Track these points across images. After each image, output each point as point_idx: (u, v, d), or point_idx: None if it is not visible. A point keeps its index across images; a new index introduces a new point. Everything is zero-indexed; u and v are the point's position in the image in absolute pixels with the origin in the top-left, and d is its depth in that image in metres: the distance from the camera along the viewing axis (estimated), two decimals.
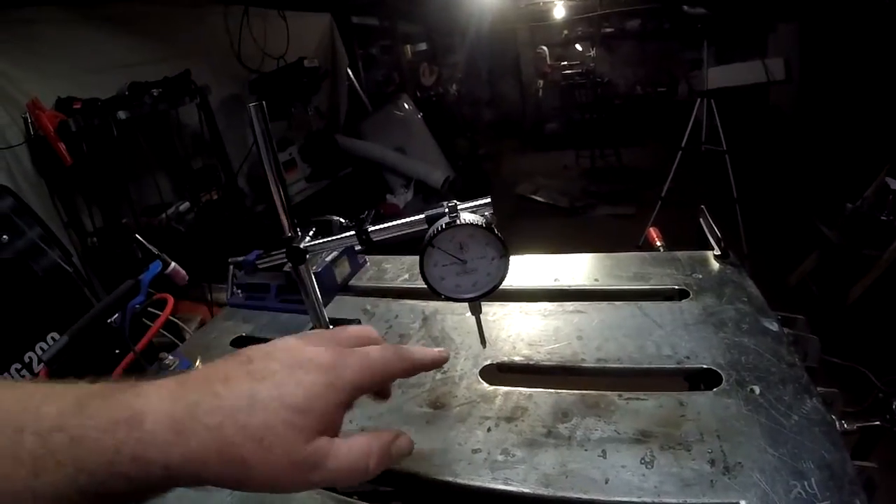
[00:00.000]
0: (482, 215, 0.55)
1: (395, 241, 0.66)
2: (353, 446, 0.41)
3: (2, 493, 0.32)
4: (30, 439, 0.33)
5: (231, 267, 1.22)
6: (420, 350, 0.50)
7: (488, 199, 0.58)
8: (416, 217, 0.60)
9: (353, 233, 0.65)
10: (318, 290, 0.76)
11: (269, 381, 0.39)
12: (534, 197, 5.52)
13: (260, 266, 0.78)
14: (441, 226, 0.53)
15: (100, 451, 0.34)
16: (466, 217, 0.53)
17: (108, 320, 0.96)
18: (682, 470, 0.56)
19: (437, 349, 0.52)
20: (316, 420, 0.39)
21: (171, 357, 0.94)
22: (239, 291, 1.21)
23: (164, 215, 2.75)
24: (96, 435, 0.34)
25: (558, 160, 6.76)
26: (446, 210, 0.56)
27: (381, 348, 0.47)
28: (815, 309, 2.85)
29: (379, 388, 0.49)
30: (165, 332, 1.21)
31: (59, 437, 0.33)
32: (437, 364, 0.52)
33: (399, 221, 0.62)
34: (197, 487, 0.37)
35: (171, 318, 1.08)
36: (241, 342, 1.04)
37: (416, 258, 0.56)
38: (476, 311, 0.62)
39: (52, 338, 1.58)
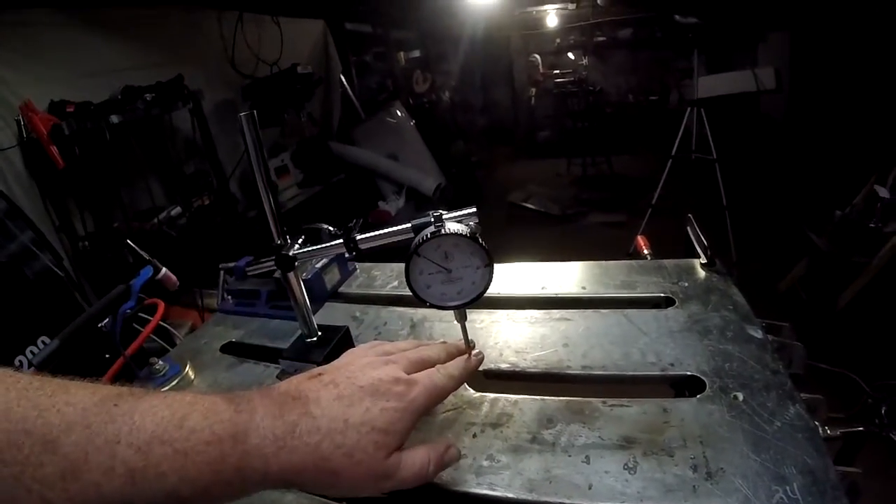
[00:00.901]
0: (467, 225, 0.56)
1: (383, 249, 0.67)
2: (417, 457, 0.50)
3: (90, 501, 0.35)
4: (126, 451, 0.36)
5: (222, 273, 1.22)
6: (458, 364, 0.60)
7: (474, 209, 0.59)
8: (403, 226, 0.60)
9: (341, 241, 0.66)
10: (306, 296, 0.77)
11: (359, 407, 0.47)
12: (526, 204, 5.54)
13: (249, 273, 0.79)
14: (426, 235, 0.53)
15: (205, 462, 0.39)
16: (451, 227, 0.54)
17: (99, 325, 0.97)
18: (664, 475, 0.57)
19: (471, 356, 0.62)
20: (395, 439, 0.48)
21: (161, 362, 0.94)
22: (229, 297, 1.21)
23: (155, 220, 2.74)
24: (202, 448, 0.39)
25: (550, 168, 6.79)
26: (432, 219, 0.56)
27: (436, 373, 0.55)
28: (804, 316, 2.87)
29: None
30: (156, 338, 1.21)
31: (161, 450, 0.37)
32: (477, 368, 0.63)
33: (386, 230, 0.63)
34: (283, 490, 0.47)
35: (161, 323, 1.08)
36: (231, 348, 1.04)
37: (404, 266, 0.56)
38: (461, 319, 0.62)
39: (43, 341, 1.58)
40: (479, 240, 0.52)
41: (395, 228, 0.62)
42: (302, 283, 0.75)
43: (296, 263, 0.71)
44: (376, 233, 0.64)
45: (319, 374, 0.51)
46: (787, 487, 0.53)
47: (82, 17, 2.62)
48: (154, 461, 0.37)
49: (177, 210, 2.88)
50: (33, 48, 2.38)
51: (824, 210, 3.00)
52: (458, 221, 0.57)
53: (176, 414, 0.40)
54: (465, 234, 0.52)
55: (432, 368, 0.56)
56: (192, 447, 0.38)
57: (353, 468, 0.45)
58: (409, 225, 0.60)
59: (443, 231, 0.52)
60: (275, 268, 0.73)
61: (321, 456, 0.43)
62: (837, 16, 4.47)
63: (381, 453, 0.46)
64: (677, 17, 4.17)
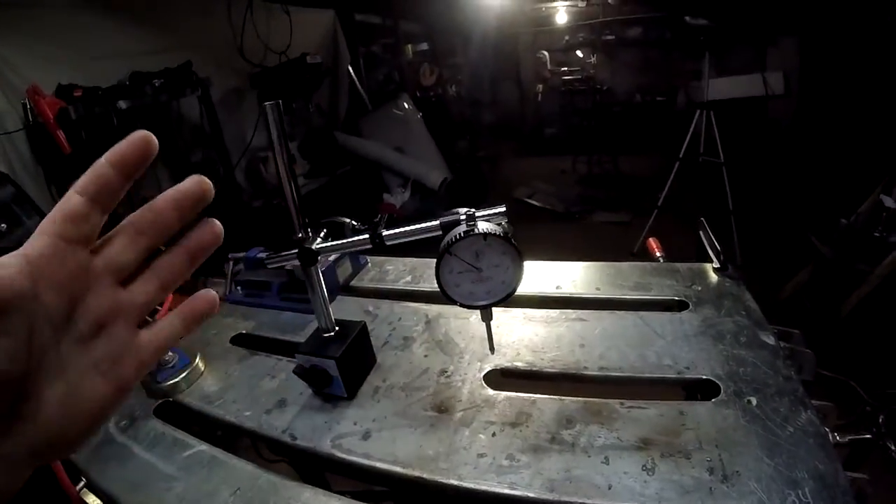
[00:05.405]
0: (498, 224, 0.56)
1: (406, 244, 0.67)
2: None
3: None
4: None
5: (231, 262, 1.22)
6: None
7: (503, 208, 0.59)
8: (431, 223, 0.61)
9: (366, 236, 0.66)
10: (325, 290, 0.77)
11: None
12: (530, 201, 5.53)
13: (269, 266, 0.79)
14: (459, 234, 0.53)
15: None
16: (484, 226, 0.54)
17: None
18: (682, 477, 0.58)
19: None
20: None
21: (170, 353, 0.93)
22: (238, 287, 1.21)
23: None
24: None
25: (556, 165, 6.78)
26: (463, 217, 0.57)
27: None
28: (806, 323, 2.87)
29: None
30: None
31: None
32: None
33: (413, 227, 0.63)
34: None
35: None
36: (241, 340, 1.04)
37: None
38: (487, 318, 0.62)
39: None
40: (512, 240, 0.52)
41: (422, 225, 0.62)
42: (322, 278, 0.75)
43: (318, 258, 0.71)
44: (403, 229, 0.64)
45: None
46: (800, 491, 0.55)
47: (91, 0, 2.60)
48: None
49: None
50: (41, 30, 2.36)
51: (830, 217, 3.00)
52: (487, 220, 0.57)
53: None
54: (499, 234, 0.52)
55: None
56: None
57: None
58: (437, 222, 0.60)
59: (476, 230, 0.52)
60: (294, 260, 0.73)
61: None
62: (847, 21, 4.46)
63: None
64: (687, 18, 4.15)
